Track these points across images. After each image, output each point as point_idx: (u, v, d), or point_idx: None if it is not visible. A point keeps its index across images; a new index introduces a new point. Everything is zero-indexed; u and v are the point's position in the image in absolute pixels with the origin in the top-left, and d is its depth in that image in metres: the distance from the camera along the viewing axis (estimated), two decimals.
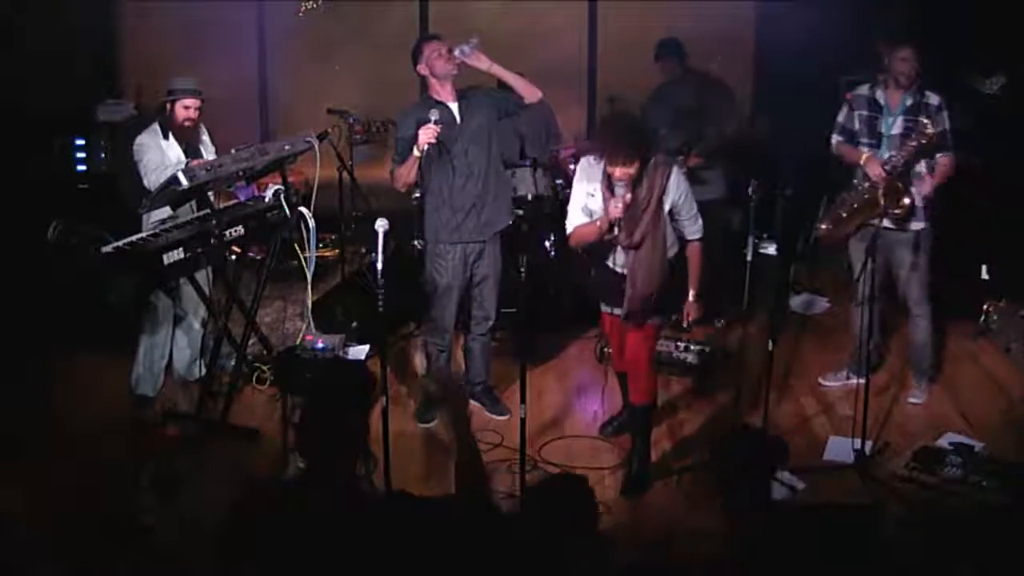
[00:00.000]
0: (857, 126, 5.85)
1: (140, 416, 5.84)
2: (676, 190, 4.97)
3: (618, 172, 4.78)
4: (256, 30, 8.57)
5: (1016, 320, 6.62)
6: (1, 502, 4.92)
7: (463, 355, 6.03)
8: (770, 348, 5.42)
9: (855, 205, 5.83)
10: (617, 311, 5.16)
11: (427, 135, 5.36)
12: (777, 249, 7.01)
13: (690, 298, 5.13)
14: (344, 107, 7.49)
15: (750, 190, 5.26)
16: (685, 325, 5.23)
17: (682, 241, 5.11)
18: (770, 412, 5.53)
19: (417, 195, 7.58)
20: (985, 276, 6.95)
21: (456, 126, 5.53)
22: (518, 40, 8.33)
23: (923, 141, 5.55)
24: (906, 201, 5.63)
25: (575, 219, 5.07)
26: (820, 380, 6.13)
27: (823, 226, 5.99)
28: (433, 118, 5.37)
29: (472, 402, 5.85)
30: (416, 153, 5.42)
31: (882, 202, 5.63)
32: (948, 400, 6.01)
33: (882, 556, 3.41)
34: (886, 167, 5.66)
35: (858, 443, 5.29)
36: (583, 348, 6.66)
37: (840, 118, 5.93)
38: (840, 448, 5.43)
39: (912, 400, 5.97)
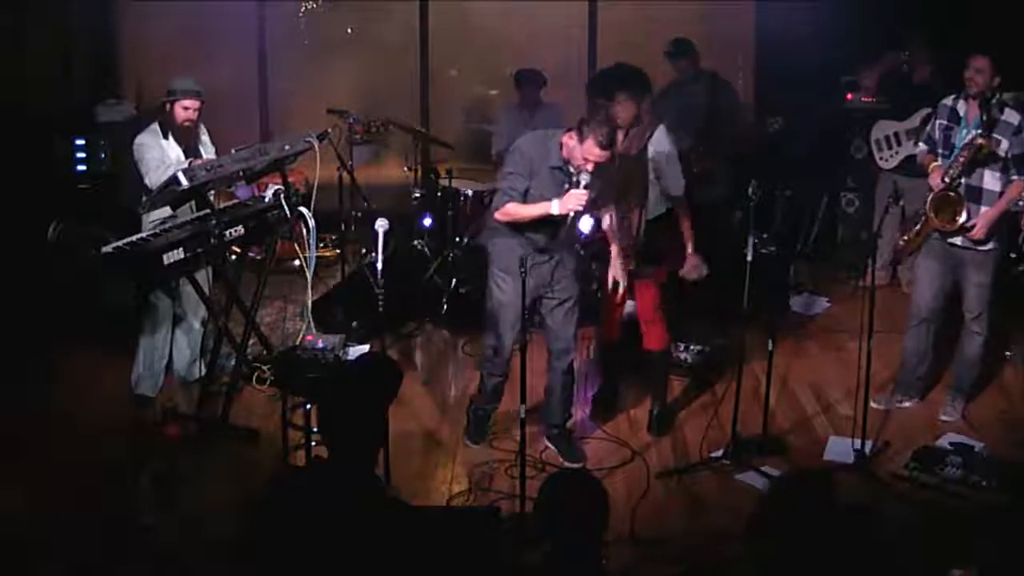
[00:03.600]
0: (937, 135, 5.64)
1: (140, 416, 5.84)
2: (659, 144, 5.35)
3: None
4: (256, 30, 8.57)
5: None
6: (1, 502, 4.92)
7: (544, 393, 5.51)
8: (770, 348, 5.42)
9: (921, 220, 5.64)
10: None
11: (576, 202, 4.89)
12: (777, 249, 7.01)
13: (689, 252, 5.54)
14: (344, 107, 7.50)
15: (750, 190, 5.25)
16: (693, 279, 5.59)
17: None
18: (770, 412, 5.53)
19: (417, 195, 7.64)
20: None
21: (574, 182, 5.02)
22: (518, 40, 8.34)
23: (972, 152, 5.37)
24: (959, 219, 5.42)
25: None
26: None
27: (906, 238, 5.72)
28: (583, 182, 4.90)
29: (548, 445, 5.45)
30: (557, 212, 4.95)
31: (932, 215, 5.49)
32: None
33: (882, 556, 3.41)
34: (945, 178, 5.47)
35: (858, 443, 5.29)
36: (582, 347, 6.64)
37: (928, 127, 5.77)
38: (840, 448, 5.43)
39: (944, 418, 5.77)
